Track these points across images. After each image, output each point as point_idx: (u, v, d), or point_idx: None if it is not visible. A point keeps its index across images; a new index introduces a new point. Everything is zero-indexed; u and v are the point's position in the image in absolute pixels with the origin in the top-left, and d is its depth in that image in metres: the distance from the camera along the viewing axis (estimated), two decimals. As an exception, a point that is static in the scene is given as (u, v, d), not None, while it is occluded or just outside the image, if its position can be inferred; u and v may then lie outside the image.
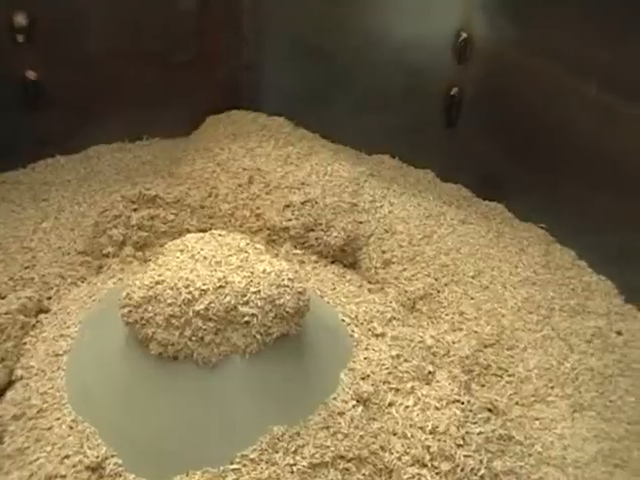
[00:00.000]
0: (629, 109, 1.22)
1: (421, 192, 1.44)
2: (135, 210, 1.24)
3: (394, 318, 1.10)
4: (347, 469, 0.89)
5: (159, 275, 0.92)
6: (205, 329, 0.88)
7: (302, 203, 1.24)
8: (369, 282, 1.22)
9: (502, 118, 1.39)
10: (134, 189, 1.26)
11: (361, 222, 1.29)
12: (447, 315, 1.19)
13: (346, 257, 1.23)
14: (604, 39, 1.25)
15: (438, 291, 1.23)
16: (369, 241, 1.27)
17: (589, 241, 1.30)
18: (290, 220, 1.23)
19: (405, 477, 0.89)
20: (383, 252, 1.26)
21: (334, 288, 1.14)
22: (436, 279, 1.24)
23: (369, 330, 1.05)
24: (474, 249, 1.32)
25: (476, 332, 1.16)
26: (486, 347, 1.14)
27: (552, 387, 1.10)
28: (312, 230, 1.22)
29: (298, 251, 1.22)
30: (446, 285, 1.24)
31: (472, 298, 1.23)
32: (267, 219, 1.24)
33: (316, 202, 1.24)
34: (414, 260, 1.26)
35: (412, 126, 1.43)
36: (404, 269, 1.25)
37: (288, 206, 1.24)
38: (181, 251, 0.97)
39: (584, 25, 1.27)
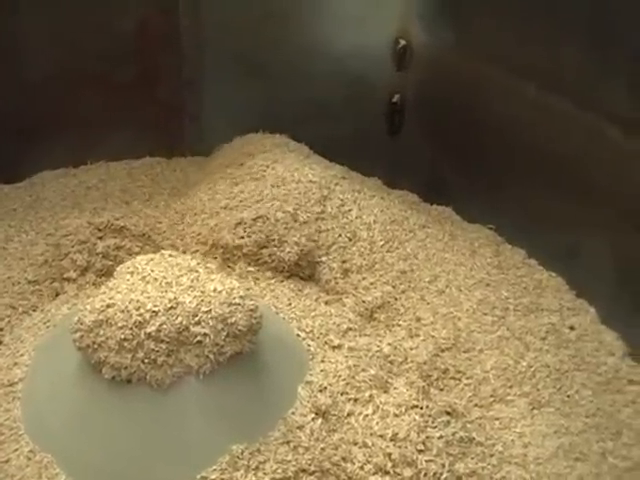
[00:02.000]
0: (569, 109, 1.23)
1: (389, 195, 1.44)
2: (101, 238, 1.22)
3: (351, 329, 1.10)
4: (310, 482, 0.89)
5: (110, 298, 0.91)
6: (157, 351, 0.87)
7: (253, 220, 1.23)
8: (327, 293, 1.22)
9: (445, 122, 1.40)
10: (102, 217, 1.26)
11: (326, 230, 1.27)
12: (404, 322, 1.19)
13: (302, 270, 1.22)
14: (542, 40, 1.26)
15: (395, 298, 1.23)
16: (330, 250, 1.26)
17: (537, 240, 1.31)
18: (242, 238, 1.22)
19: (368, 486, 0.90)
20: (343, 262, 1.25)
21: (290, 303, 1.13)
22: (394, 286, 1.24)
23: (325, 343, 1.05)
24: (430, 254, 1.32)
25: (433, 337, 1.16)
26: (443, 351, 1.14)
27: (510, 386, 1.11)
28: (265, 247, 1.21)
29: (252, 268, 1.21)
30: (403, 292, 1.24)
31: (428, 303, 1.23)
32: (219, 238, 1.23)
33: (267, 218, 1.23)
34: (373, 268, 1.26)
35: (355, 135, 1.44)
36: (363, 278, 1.24)
37: (239, 224, 1.23)
38: (131, 273, 0.96)
39: (522, 27, 1.28)
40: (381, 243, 1.29)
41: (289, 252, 1.21)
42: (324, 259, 1.25)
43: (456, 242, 1.36)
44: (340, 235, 1.28)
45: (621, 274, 1.21)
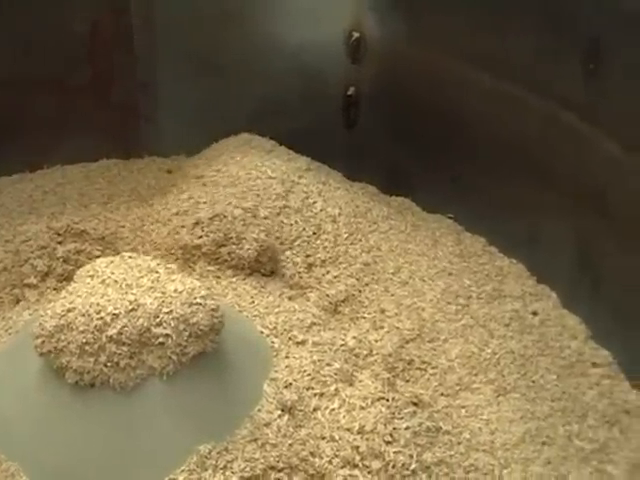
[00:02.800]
0: (524, 96, 1.24)
1: (352, 186, 1.44)
2: (60, 243, 1.21)
3: (315, 324, 1.10)
4: (279, 479, 0.88)
5: (70, 302, 0.90)
6: (120, 354, 0.86)
7: (210, 219, 1.22)
8: (291, 289, 1.21)
9: (401, 114, 1.40)
10: (60, 221, 1.24)
11: (289, 224, 1.27)
12: (368, 314, 1.19)
13: (264, 266, 1.21)
14: (494, 29, 1.27)
15: (359, 291, 1.23)
16: (294, 245, 1.25)
17: (497, 227, 1.32)
18: (201, 237, 1.21)
19: (337, 480, 0.90)
20: (307, 256, 1.25)
21: (252, 301, 1.13)
22: (358, 279, 1.24)
23: (289, 339, 1.05)
24: (394, 245, 1.32)
25: (397, 328, 1.16)
26: (408, 342, 1.14)
27: (475, 374, 1.11)
28: (224, 245, 1.20)
29: (212, 267, 1.20)
30: (367, 284, 1.24)
31: (392, 295, 1.23)
32: (179, 239, 1.22)
33: (224, 216, 1.22)
34: (337, 261, 1.26)
35: (312, 130, 1.43)
36: (327, 272, 1.24)
37: (197, 224, 1.22)
38: (91, 276, 0.95)
39: (474, 17, 1.29)
40: (345, 235, 1.30)
41: (248, 249, 1.20)
42: (287, 254, 1.24)
43: (418, 232, 1.37)
44: (304, 229, 1.28)
45: (581, 258, 1.22)
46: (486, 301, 1.24)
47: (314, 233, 1.28)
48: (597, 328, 1.19)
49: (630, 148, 1.10)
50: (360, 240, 1.31)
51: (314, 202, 1.32)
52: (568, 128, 1.18)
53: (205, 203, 1.27)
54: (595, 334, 1.19)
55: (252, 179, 1.32)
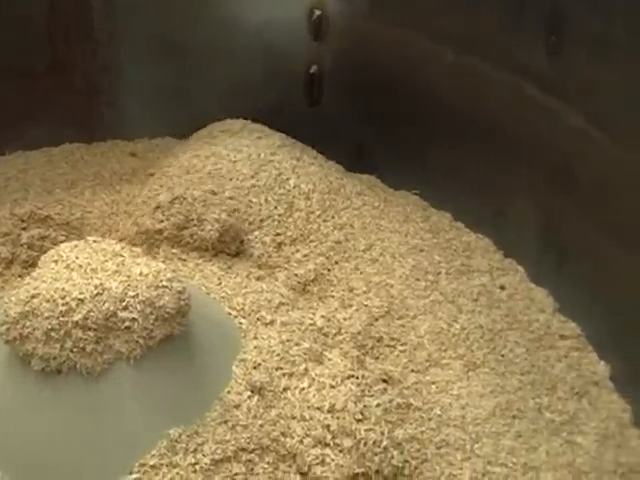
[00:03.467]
0: (487, 70, 1.24)
1: (327, 162, 1.43)
2: (24, 229, 1.20)
3: (283, 304, 1.10)
4: (250, 460, 0.88)
5: (34, 288, 0.89)
6: (86, 339, 0.85)
7: (170, 202, 1.21)
8: (259, 268, 1.20)
9: (365, 91, 1.39)
10: (24, 207, 1.23)
11: (259, 204, 1.25)
12: (337, 293, 1.19)
13: (228, 247, 1.20)
14: (457, 3, 1.26)
15: (329, 270, 1.22)
16: (263, 224, 1.24)
17: (462, 203, 1.32)
18: (162, 222, 1.19)
19: (309, 459, 0.89)
20: (277, 234, 1.24)
21: (219, 282, 1.12)
22: (327, 257, 1.23)
23: (258, 319, 1.04)
24: (366, 222, 1.31)
25: (366, 306, 1.16)
26: (377, 320, 1.14)
27: (445, 350, 1.12)
28: (185, 228, 1.19)
29: (176, 250, 1.19)
30: (337, 263, 1.23)
31: (362, 272, 1.23)
32: (141, 224, 1.21)
33: (184, 198, 1.21)
34: (308, 239, 1.25)
35: (275, 108, 1.42)
36: (297, 250, 1.23)
37: (158, 207, 1.21)
38: (55, 262, 0.94)
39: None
40: (318, 213, 1.29)
41: (210, 230, 1.18)
42: (256, 233, 1.23)
43: (391, 209, 1.36)
44: (276, 207, 1.27)
45: (547, 232, 1.22)
46: (454, 277, 1.24)
47: (286, 211, 1.27)
48: (564, 301, 1.20)
49: (593, 120, 1.10)
50: (333, 217, 1.30)
51: (287, 179, 1.31)
52: (532, 101, 1.18)
53: (165, 187, 1.26)
54: (562, 307, 1.20)
55: (215, 163, 1.31)
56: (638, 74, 1.03)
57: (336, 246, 1.26)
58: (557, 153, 1.17)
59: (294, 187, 1.30)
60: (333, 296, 1.18)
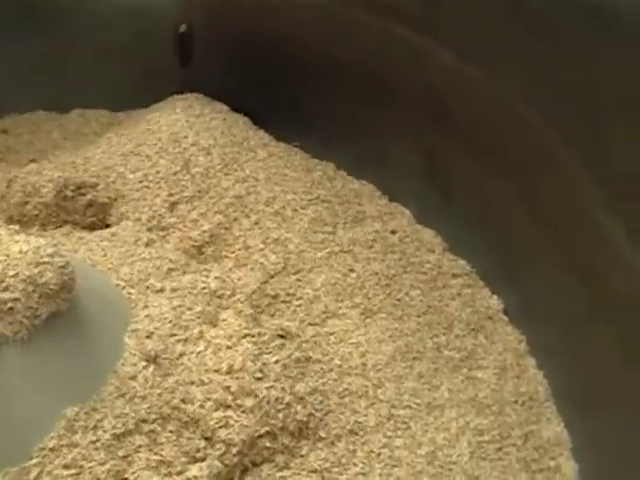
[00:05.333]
0: (358, 15, 1.22)
1: (232, 114, 1.37)
2: None
3: (173, 269, 1.07)
4: (152, 430, 0.87)
5: None
6: (-33, 325, 0.83)
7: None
8: (150, 232, 1.16)
9: (236, 47, 1.35)
10: None
11: (149, 165, 1.22)
12: (233, 252, 1.16)
13: (96, 216, 1.18)
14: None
15: (226, 228, 1.17)
16: (152, 185, 1.20)
17: (342, 151, 1.30)
18: (27, 203, 1.16)
19: (212, 423, 0.89)
20: (170, 194, 1.19)
21: (105, 253, 1.08)
22: (226, 215, 1.18)
23: (147, 288, 1.01)
24: (271, 173, 1.26)
25: (262, 264, 1.14)
26: (273, 277, 1.12)
27: (341, 300, 1.11)
28: (57, 204, 1.16)
29: (53, 228, 1.16)
30: (236, 220, 1.19)
31: (261, 228, 1.18)
32: (14, 203, 1.17)
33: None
34: (207, 196, 1.20)
35: (148, 71, 1.38)
36: (193, 208, 1.19)
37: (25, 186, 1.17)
38: None
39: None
40: (219, 167, 1.24)
41: (79, 200, 1.16)
42: (147, 197, 1.19)
43: (296, 158, 1.32)
44: (170, 167, 1.22)
45: (429, 172, 1.23)
46: (351, 226, 1.23)
47: (182, 168, 1.22)
48: (452, 240, 1.21)
49: (466, 58, 1.10)
50: (235, 170, 1.25)
51: (184, 137, 1.27)
52: (404, 42, 1.17)
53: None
54: (451, 245, 1.21)
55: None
56: (506, 8, 1.04)
57: (236, 201, 1.20)
58: (434, 93, 1.17)
59: (192, 145, 1.26)
60: (228, 256, 1.16)
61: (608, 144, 0.98)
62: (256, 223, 1.19)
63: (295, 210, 1.22)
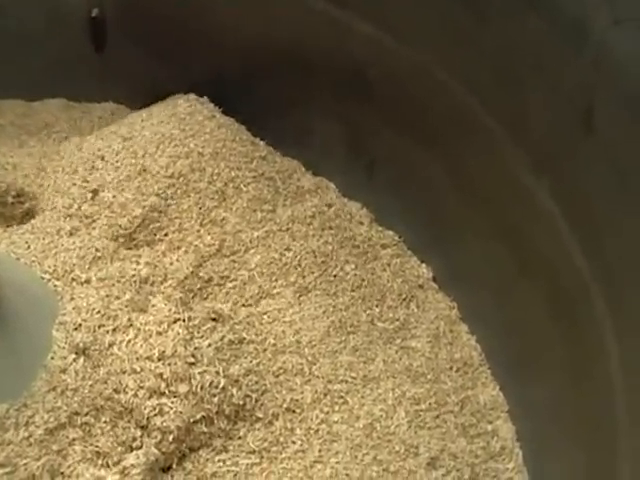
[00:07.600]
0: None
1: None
2: None
3: (98, 258, 1.03)
4: (86, 423, 0.87)
5: None
6: None
7: None
8: (71, 219, 1.09)
9: (150, 29, 1.32)
10: None
11: (76, 153, 1.17)
12: (166, 236, 1.10)
13: (11, 206, 1.14)
14: None
15: (160, 211, 1.11)
16: (72, 178, 1.13)
17: (264, 126, 1.28)
18: None
19: (147, 411, 0.89)
20: (87, 181, 1.12)
21: (28, 246, 1.04)
22: (163, 197, 1.11)
23: (72, 279, 0.99)
24: (218, 147, 1.17)
25: (196, 246, 1.09)
26: (206, 260, 1.09)
27: (276, 279, 1.10)
28: None
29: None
30: (174, 199, 1.11)
31: (201, 207, 1.12)
32: None
33: None
34: (139, 177, 1.12)
35: (61, 59, 1.35)
36: (120, 192, 1.11)
37: None
38: None
39: None
40: (157, 144, 1.16)
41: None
42: (66, 183, 1.13)
43: (239, 134, 1.24)
44: (101, 149, 1.16)
45: (352, 144, 1.22)
46: (290, 203, 1.19)
47: (114, 150, 1.15)
48: (378, 211, 1.21)
49: (382, 28, 1.10)
50: (177, 146, 1.16)
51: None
52: (321, 14, 1.16)
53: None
54: (377, 217, 1.21)
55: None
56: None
57: (177, 181, 1.12)
58: (352, 64, 1.16)
59: (127, 124, 1.20)
60: (162, 240, 1.10)
61: (529, 109, 0.98)
62: (196, 203, 1.13)
63: (237, 188, 1.16)
